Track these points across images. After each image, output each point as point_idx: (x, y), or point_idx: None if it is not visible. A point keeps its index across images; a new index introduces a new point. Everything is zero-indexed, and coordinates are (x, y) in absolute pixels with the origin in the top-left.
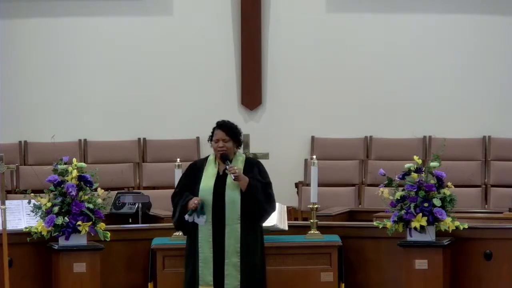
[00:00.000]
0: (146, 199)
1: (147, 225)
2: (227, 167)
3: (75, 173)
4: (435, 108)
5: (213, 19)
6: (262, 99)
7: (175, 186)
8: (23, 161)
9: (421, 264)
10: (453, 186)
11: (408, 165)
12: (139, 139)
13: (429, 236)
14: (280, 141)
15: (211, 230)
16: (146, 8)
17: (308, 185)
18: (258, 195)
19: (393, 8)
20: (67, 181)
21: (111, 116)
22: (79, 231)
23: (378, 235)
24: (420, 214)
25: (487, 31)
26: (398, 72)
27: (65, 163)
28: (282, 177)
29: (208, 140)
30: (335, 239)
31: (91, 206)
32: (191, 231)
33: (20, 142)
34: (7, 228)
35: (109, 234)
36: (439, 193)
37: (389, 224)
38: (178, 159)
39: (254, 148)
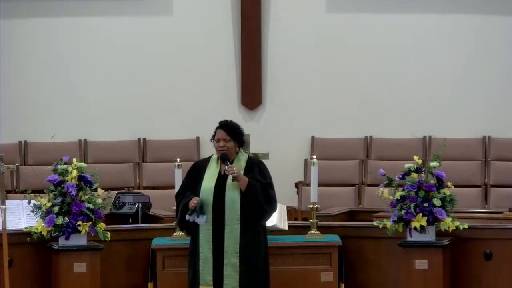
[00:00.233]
0: (146, 199)
1: (147, 225)
2: (226, 167)
3: (75, 173)
4: (435, 108)
5: (213, 19)
6: (262, 99)
7: (175, 186)
8: (23, 161)
9: (421, 264)
10: (453, 186)
11: (408, 165)
12: (139, 139)
13: (429, 236)
14: (280, 141)
15: (211, 230)
16: (146, 8)
17: (308, 185)
18: (258, 196)
19: (393, 8)
20: (67, 181)
21: (111, 116)
22: (79, 231)
23: (378, 235)
24: (420, 214)
25: (487, 31)
26: (398, 72)
27: (65, 163)
28: (282, 177)
29: (211, 140)
30: (335, 239)
31: (91, 206)
32: (192, 231)
33: (20, 142)
34: (7, 228)
35: (109, 234)
36: (439, 193)
37: (389, 224)
38: (178, 159)
39: (254, 148)
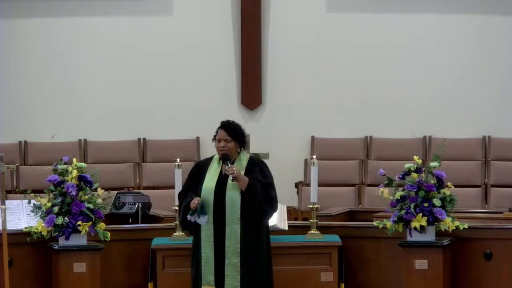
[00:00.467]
0: (146, 199)
1: (147, 225)
2: (226, 167)
3: (75, 173)
4: (435, 108)
5: (213, 19)
6: (262, 99)
7: (175, 186)
8: (23, 161)
9: (421, 264)
10: (453, 186)
11: (408, 165)
12: (139, 139)
13: (429, 236)
14: (280, 141)
15: (213, 230)
16: (146, 8)
17: (308, 185)
18: (258, 196)
19: (393, 8)
20: (67, 181)
21: (111, 116)
22: (79, 231)
23: (378, 235)
24: (420, 214)
25: (487, 31)
26: (398, 72)
27: (65, 163)
28: (282, 177)
29: (212, 140)
30: (335, 239)
31: (91, 206)
32: (194, 231)
33: (20, 142)
34: (7, 228)
35: (109, 234)
36: (439, 193)
37: (389, 224)
38: (178, 159)
39: (254, 148)
